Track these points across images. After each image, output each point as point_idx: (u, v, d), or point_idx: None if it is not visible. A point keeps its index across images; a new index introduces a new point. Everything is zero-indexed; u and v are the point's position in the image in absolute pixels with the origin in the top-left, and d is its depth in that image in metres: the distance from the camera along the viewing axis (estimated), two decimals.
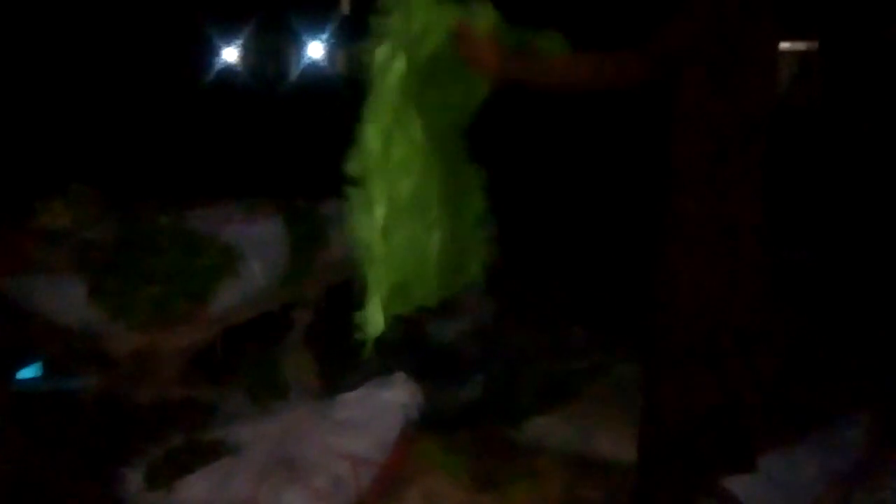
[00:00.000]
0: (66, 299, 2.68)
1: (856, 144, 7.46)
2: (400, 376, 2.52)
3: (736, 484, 2.16)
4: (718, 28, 1.80)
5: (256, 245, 2.74)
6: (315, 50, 13.26)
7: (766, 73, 1.90)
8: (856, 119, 8.17)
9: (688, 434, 1.95)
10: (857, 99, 8.38)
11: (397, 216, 1.82)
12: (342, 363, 2.76)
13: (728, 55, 1.82)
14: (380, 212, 1.80)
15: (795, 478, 2.30)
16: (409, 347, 3.07)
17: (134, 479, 2.17)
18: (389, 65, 1.77)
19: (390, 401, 2.43)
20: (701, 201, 1.88)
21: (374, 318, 1.81)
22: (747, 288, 1.91)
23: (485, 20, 1.82)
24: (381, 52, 1.77)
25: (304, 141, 5.80)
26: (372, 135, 1.80)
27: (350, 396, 2.44)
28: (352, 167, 1.79)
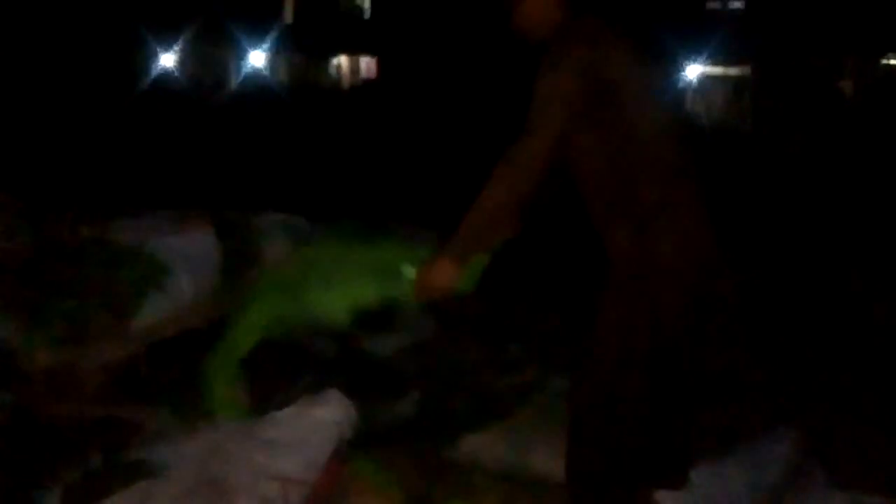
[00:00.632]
0: None
1: (785, 162, 7.79)
2: (334, 393, 2.46)
3: (668, 499, 2.19)
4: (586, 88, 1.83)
5: (185, 258, 2.65)
6: (256, 58, 13.22)
7: (646, 104, 1.94)
8: (785, 138, 8.53)
9: (615, 452, 1.97)
10: (786, 120, 8.76)
11: None
12: (273, 381, 2.69)
13: (601, 100, 1.86)
14: None
15: (725, 492, 2.33)
16: (344, 363, 3.02)
17: (50, 501, 2.06)
18: None
19: (323, 419, 2.36)
20: (624, 240, 1.91)
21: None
22: (674, 322, 1.95)
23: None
24: None
25: (240, 151, 5.71)
26: None
27: (280, 415, 2.37)
28: None
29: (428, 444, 2.61)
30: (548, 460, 2.47)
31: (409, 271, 2.07)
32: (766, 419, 2.73)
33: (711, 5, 14.69)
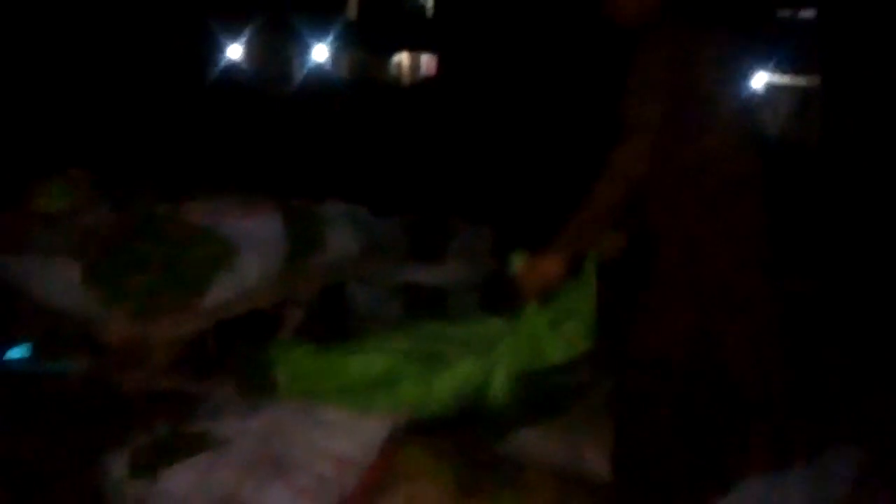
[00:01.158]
0: (59, 282, 2.67)
1: (854, 179, 7.56)
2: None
3: None
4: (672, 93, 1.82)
5: (253, 240, 2.73)
6: (320, 53, 13.39)
7: (725, 113, 1.91)
8: (855, 155, 8.27)
9: (660, 457, 1.97)
10: (856, 135, 8.49)
11: None
12: None
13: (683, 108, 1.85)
14: None
15: None
16: None
17: (117, 466, 2.14)
18: None
19: None
20: (682, 257, 1.90)
21: None
22: (723, 338, 1.94)
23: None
24: None
25: (304, 142, 5.83)
26: None
27: None
28: None
29: (481, 437, 2.64)
30: (599, 459, 2.48)
31: (515, 265, 2.09)
32: (830, 436, 2.67)
33: (782, 13, 14.33)
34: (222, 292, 2.62)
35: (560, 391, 2.81)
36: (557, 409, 2.70)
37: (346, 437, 2.27)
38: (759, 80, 11.05)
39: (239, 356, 2.68)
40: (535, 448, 2.52)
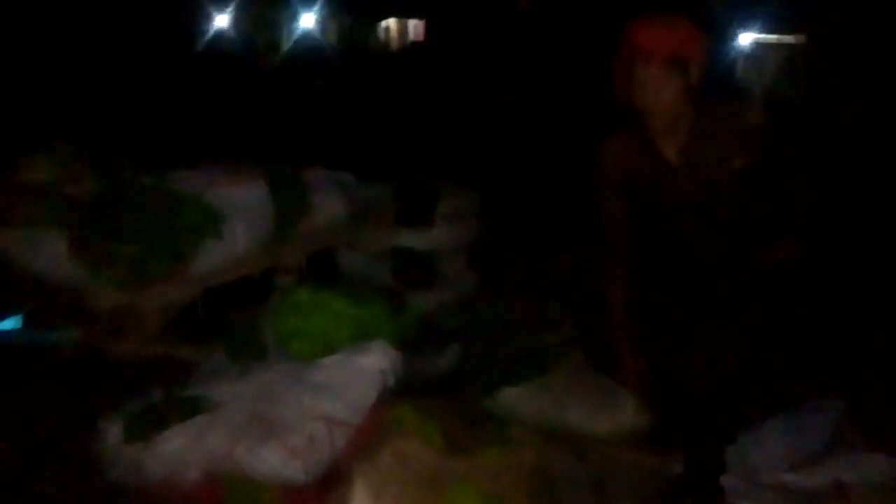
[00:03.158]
0: (47, 253, 2.69)
1: (838, 137, 7.57)
2: (379, 343, 2.55)
3: None
4: None
5: (240, 208, 2.76)
6: (307, 20, 13.16)
7: None
8: (838, 109, 8.27)
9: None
10: (840, 90, 8.47)
11: None
12: None
13: None
14: None
15: (764, 455, 2.37)
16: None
17: (112, 431, 2.19)
18: None
19: (368, 366, 2.46)
20: None
21: None
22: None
23: None
24: None
25: (292, 109, 5.80)
26: None
27: (328, 361, 2.47)
28: None
29: (467, 395, 2.70)
30: (582, 416, 2.55)
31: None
32: (810, 388, 2.74)
33: None
34: (210, 259, 2.65)
35: (546, 349, 2.87)
36: (543, 366, 2.75)
37: (336, 398, 2.32)
38: (746, 38, 10.94)
39: (229, 322, 2.72)
40: (520, 406, 2.58)
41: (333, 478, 2.09)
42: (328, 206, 3.23)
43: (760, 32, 10.88)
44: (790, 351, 3.15)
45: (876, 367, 3.11)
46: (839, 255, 4.80)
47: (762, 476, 2.29)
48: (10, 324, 2.75)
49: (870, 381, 2.97)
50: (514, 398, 2.61)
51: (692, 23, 1.92)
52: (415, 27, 21.56)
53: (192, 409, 2.24)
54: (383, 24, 21.80)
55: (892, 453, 2.35)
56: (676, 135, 1.95)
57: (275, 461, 2.10)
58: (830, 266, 4.55)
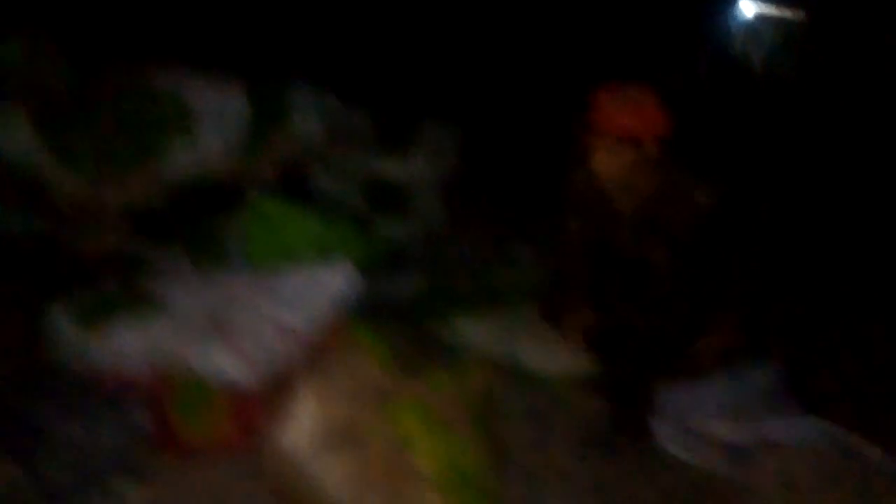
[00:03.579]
0: (15, 140, 2.62)
1: (829, 115, 7.60)
2: (342, 263, 2.54)
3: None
4: None
5: (214, 110, 2.70)
6: None
7: None
8: (829, 89, 8.29)
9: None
10: (832, 70, 8.47)
11: None
12: None
13: None
14: None
15: (699, 412, 2.44)
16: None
17: (62, 313, 2.17)
18: None
19: (328, 283, 2.45)
20: None
21: None
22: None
23: None
24: None
25: (278, 20, 5.60)
26: None
27: (289, 273, 2.47)
28: None
29: (425, 322, 2.73)
30: (532, 354, 2.59)
31: None
32: (747, 349, 2.81)
33: None
34: (179, 159, 2.60)
35: (508, 286, 2.90)
36: (503, 302, 2.78)
37: (294, 309, 2.32)
38: (748, 9, 10.81)
39: (193, 225, 2.69)
40: (474, 337, 2.62)
41: (282, 385, 2.11)
42: (306, 122, 3.17)
43: (762, 3, 10.75)
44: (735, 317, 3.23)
45: (812, 326, 3.22)
46: (804, 232, 4.90)
47: (692, 423, 2.36)
48: None
49: (814, 351, 3.06)
50: (469, 329, 2.65)
51: (656, 98, 2.06)
52: None
53: (145, 304, 2.22)
54: None
55: (826, 417, 2.44)
56: (630, 198, 2.16)
57: (225, 363, 2.11)
58: (796, 241, 4.64)
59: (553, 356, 2.57)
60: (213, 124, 2.69)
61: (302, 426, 1.94)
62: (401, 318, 2.74)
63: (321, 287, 2.44)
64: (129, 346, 2.12)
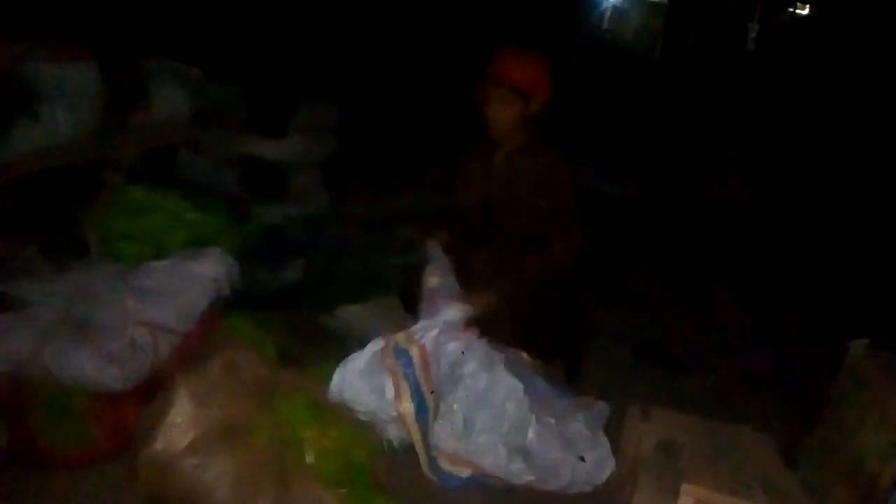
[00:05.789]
0: None
1: (683, 93, 8.06)
2: (215, 250, 2.41)
3: None
4: None
5: (63, 88, 2.45)
6: None
7: None
8: (687, 70, 8.79)
9: None
10: (691, 51, 8.98)
11: None
12: None
13: None
14: None
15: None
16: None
17: None
18: None
19: (201, 273, 2.32)
20: None
21: None
22: None
23: None
24: None
25: None
26: None
27: (157, 265, 2.31)
28: None
29: (306, 309, 2.64)
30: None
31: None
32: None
33: None
34: (24, 143, 2.35)
35: (390, 270, 2.87)
36: (386, 287, 2.74)
37: (163, 304, 2.17)
38: None
39: (46, 216, 2.46)
40: (360, 323, 2.56)
41: (155, 387, 1.98)
42: (169, 99, 2.96)
43: None
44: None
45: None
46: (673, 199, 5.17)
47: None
48: None
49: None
50: (353, 316, 2.59)
51: (545, 64, 2.38)
52: None
53: None
54: None
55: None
56: (505, 150, 2.43)
57: (88, 366, 1.95)
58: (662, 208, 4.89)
59: None
60: (62, 102, 2.45)
61: (177, 429, 1.82)
62: (282, 306, 2.64)
63: (193, 278, 2.30)
64: None
